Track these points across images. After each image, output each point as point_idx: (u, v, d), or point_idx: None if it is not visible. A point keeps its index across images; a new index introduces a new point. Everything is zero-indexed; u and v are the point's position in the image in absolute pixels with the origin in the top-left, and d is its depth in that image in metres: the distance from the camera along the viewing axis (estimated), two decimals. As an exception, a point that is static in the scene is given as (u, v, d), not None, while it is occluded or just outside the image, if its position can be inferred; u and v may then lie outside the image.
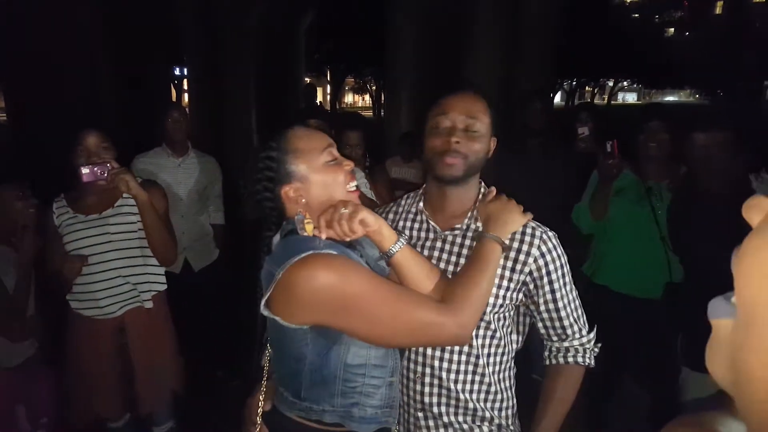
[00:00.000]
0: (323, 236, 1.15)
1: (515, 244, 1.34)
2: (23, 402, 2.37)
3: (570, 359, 1.42)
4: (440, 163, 1.33)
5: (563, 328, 1.40)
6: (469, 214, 1.39)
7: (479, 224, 1.34)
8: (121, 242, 2.24)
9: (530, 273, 1.34)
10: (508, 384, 1.43)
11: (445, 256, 1.38)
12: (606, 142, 2.52)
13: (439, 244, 1.40)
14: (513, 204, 1.33)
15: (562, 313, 1.38)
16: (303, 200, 1.21)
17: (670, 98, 49.07)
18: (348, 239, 1.16)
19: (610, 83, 36.67)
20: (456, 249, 1.37)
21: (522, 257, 1.34)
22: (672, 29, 36.23)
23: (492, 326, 1.36)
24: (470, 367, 1.36)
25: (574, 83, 31.30)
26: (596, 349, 1.44)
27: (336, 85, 27.88)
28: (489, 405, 1.38)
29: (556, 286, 1.35)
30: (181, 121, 3.14)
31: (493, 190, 1.40)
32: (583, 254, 3.06)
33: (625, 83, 39.24)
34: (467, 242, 1.36)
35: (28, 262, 2.24)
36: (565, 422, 1.43)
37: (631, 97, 51.01)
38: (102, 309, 2.23)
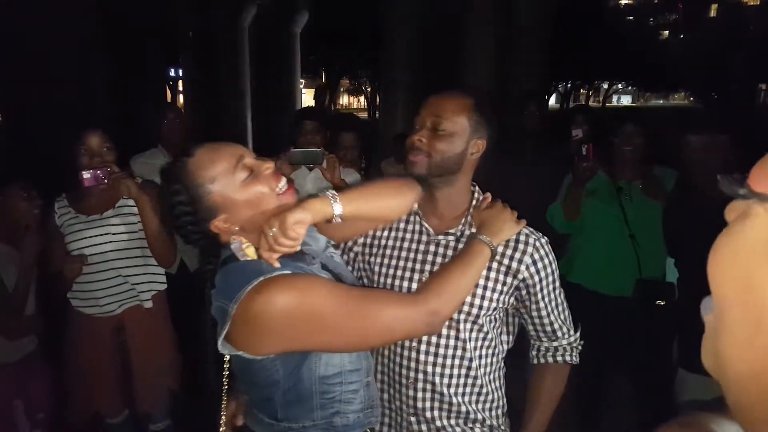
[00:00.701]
0: (275, 258, 1.07)
1: (509, 251, 1.35)
2: (21, 397, 2.38)
3: (558, 358, 1.46)
4: (407, 161, 1.36)
5: (553, 330, 1.43)
6: (463, 220, 1.39)
7: (474, 230, 1.34)
8: (122, 242, 2.27)
9: (523, 279, 1.36)
10: (498, 384, 1.44)
11: (438, 260, 1.37)
12: (582, 145, 2.58)
13: (432, 248, 1.39)
14: (508, 211, 1.33)
15: (552, 317, 1.42)
16: (236, 228, 1.12)
17: (662, 101, 49.29)
18: (297, 247, 1.08)
19: (605, 86, 36.79)
20: (450, 253, 1.37)
21: (515, 264, 1.35)
22: (666, 32, 36.38)
23: (484, 329, 1.37)
24: (463, 371, 1.37)
25: (569, 86, 31.39)
26: (580, 347, 1.49)
27: (331, 86, 27.88)
28: (480, 407, 1.39)
29: (546, 291, 1.39)
30: (177, 122, 3.15)
31: (489, 196, 1.41)
32: (558, 253, 3.10)
33: (619, 86, 39.35)
34: (461, 246, 1.34)
35: (30, 261, 2.25)
36: (554, 421, 1.45)
37: (626, 100, 51.19)
38: (102, 307, 2.26)
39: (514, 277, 1.35)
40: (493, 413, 1.42)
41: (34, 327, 2.40)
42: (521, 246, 1.36)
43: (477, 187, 1.45)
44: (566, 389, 1.48)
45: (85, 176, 2.09)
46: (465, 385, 1.37)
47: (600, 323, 2.57)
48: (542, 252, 1.37)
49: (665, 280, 2.57)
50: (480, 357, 1.38)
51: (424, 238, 1.41)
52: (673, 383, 2.33)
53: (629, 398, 2.94)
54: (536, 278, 1.36)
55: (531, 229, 1.38)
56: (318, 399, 1.13)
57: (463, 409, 1.37)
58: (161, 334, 2.43)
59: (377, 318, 1.08)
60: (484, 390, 1.39)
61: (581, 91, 35.67)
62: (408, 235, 1.43)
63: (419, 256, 1.39)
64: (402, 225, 1.45)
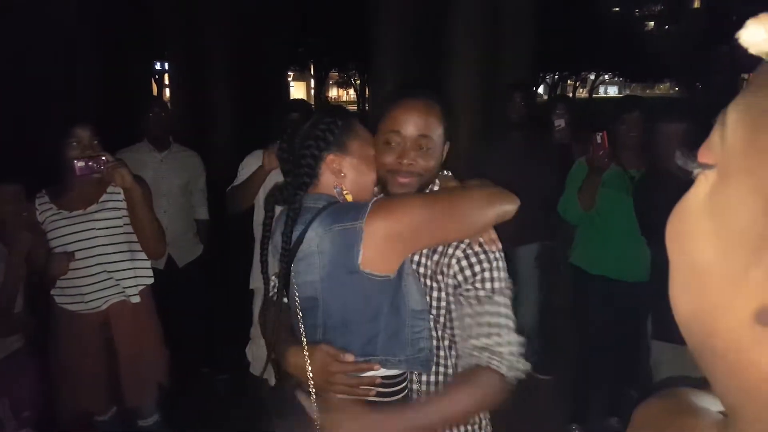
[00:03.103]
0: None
1: (439, 248, 1.32)
2: (7, 395, 2.36)
3: (483, 362, 1.24)
4: (393, 182, 1.31)
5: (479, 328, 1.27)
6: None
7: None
8: (107, 237, 2.25)
9: (454, 275, 1.29)
10: None
11: None
12: (596, 133, 2.59)
13: None
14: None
15: (486, 317, 1.26)
16: (342, 174, 1.27)
17: (648, 91, 49.59)
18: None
19: (592, 77, 36.94)
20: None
21: (445, 259, 1.30)
22: (652, 23, 36.58)
23: (447, 332, 1.34)
24: (440, 377, 1.35)
25: (557, 77, 31.49)
26: (520, 366, 1.24)
27: (320, 79, 27.73)
28: None
29: (479, 286, 1.27)
30: (162, 115, 3.13)
31: (450, 174, 1.44)
32: (562, 244, 3.13)
33: (606, 77, 39.53)
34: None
35: (19, 260, 2.22)
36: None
37: (612, 90, 51.48)
38: (87, 303, 2.24)
39: (447, 274, 1.36)
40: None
41: (23, 325, 2.37)
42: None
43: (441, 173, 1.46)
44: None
45: (78, 165, 2.06)
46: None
47: (610, 310, 2.71)
48: (475, 247, 1.32)
49: None
50: (454, 361, 1.36)
51: None
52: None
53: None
54: (468, 272, 1.32)
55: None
56: (409, 333, 1.22)
57: None
58: (148, 329, 2.41)
59: (465, 201, 1.24)
60: None
61: (568, 82, 35.79)
62: None
63: None
64: None
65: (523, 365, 1.25)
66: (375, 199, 1.22)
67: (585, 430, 2.97)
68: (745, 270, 0.31)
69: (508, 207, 1.24)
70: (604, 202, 2.68)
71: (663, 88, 49.21)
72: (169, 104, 8.10)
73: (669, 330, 2.17)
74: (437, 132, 1.32)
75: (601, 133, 2.58)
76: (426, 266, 1.34)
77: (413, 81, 4.71)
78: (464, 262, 1.28)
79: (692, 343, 0.37)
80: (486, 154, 3.36)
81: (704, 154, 0.35)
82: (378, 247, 1.16)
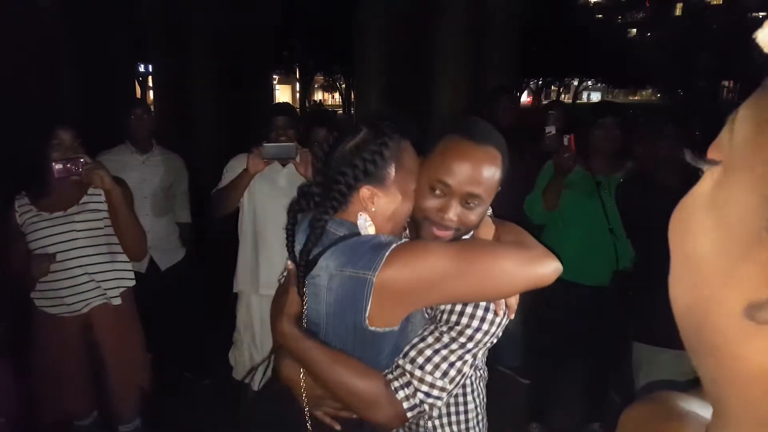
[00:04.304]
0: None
1: None
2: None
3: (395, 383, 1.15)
4: (427, 231, 1.21)
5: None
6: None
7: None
8: (88, 239, 2.23)
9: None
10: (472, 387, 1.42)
11: None
12: (563, 135, 2.63)
13: None
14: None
15: (426, 348, 1.17)
16: (373, 208, 1.16)
17: (631, 98, 50.20)
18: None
19: (576, 82, 37.34)
20: None
21: None
22: (634, 30, 37.09)
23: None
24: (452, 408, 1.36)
25: (540, 82, 31.77)
26: (420, 409, 1.14)
27: (305, 82, 27.69)
28: (462, 417, 1.39)
29: (442, 316, 1.21)
30: (144, 117, 3.10)
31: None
32: None
33: (589, 83, 39.98)
34: None
35: None
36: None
37: (596, 96, 51.98)
38: (69, 306, 2.22)
39: None
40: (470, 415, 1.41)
41: None
42: None
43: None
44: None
45: (56, 167, 2.04)
46: (456, 413, 1.38)
47: (574, 312, 2.75)
48: None
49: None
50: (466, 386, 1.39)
51: None
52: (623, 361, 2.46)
53: (582, 388, 3.04)
54: None
55: None
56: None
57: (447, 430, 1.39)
58: (130, 332, 2.40)
59: (497, 262, 1.09)
60: (470, 407, 1.40)
61: (552, 87, 36.13)
62: None
63: None
64: None
65: (427, 411, 1.14)
66: (394, 245, 1.09)
67: (545, 428, 3.02)
68: (736, 264, 0.31)
69: (546, 272, 1.11)
70: (567, 204, 2.72)
71: (645, 94, 49.87)
72: (152, 106, 8.04)
73: (648, 332, 2.22)
74: (491, 185, 1.17)
75: (568, 136, 2.62)
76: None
77: (398, 83, 4.72)
78: None
79: (686, 337, 0.37)
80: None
81: (713, 151, 0.36)
82: (388, 302, 1.09)
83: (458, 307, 1.17)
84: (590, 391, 3.00)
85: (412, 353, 1.15)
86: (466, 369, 1.16)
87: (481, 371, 1.44)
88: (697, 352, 0.36)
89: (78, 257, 2.22)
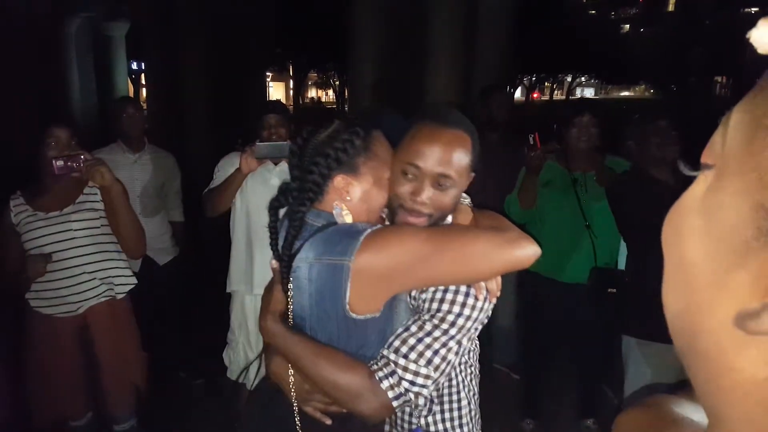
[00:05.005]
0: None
1: None
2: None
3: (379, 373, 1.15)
4: (402, 217, 1.22)
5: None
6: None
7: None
8: (85, 238, 2.22)
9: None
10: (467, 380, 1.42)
11: None
12: (528, 135, 2.66)
13: None
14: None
15: (410, 337, 1.17)
16: (348, 197, 1.19)
17: (625, 93, 50.41)
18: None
19: (569, 79, 37.43)
20: None
21: None
22: (627, 26, 37.20)
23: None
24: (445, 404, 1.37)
25: (534, 78, 31.83)
26: (406, 397, 1.13)
27: (298, 80, 27.65)
28: (456, 414, 1.39)
29: (426, 306, 1.21)
30: (136, 116, 3.08)
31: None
32: None
33: (582, 79, 40.10)
34: None
35: None
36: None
37: (589, 92, 52.16)
38: (67, 306, 2.20)
39: None
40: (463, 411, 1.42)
41: None
42: None
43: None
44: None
45: (57, 164, 2.03)
46: (449, 410, 1.39)
47: (556, 310, 2.78)
48: None
49: (617, 268, 2.66)
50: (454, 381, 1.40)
51: None
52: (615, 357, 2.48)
53: (574, 384, 3.06)
54: None
55: None
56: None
57: (440, 427, 1.39)
58: (126, 332, 2.39)
59: (472, 243, 1.11)
60: (464, 403, 1.40)
61: (546, 84, 36.21)
62: None
63: None
64: None
65: (413, 401, 1.13)
66: (369, 231, 1.11)
67: (539, 425, 3.03)
68: (728, 272, 0.31)
69: (523, 254, 1.12)
70: (544, 202, 2.74)
71: (639, 90, 50.05)
72: (144, 104, 8.00)
73: (637, 326, 2.23)
74: (461, 167, 1.18)
75: (533, 135, 2.64)
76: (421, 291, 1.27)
77: (391, 80, 4.72)
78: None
79: (678, 344, 0.37)
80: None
81: (706, 155, 0.35)
82: (366, 287, 1.10)
83: (439, 294, 1.17)
84: (580, 387, 3.01)
85: (396, 343, 1.15)
86: (451, 357, 1.15)
87: (473, 368, 1.43)
88: (689, 360, 0.36)
89: (76, 257, 2.20)
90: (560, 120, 2.78)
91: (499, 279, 1.20)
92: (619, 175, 2.56)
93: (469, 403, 1.40)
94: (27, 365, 2.28)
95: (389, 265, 1.09)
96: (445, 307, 1.16)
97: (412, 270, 1.09)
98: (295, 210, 1.19)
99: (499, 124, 3.33)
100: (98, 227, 2.25)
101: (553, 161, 2.75)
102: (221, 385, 2.79)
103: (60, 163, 2.04)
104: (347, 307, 1.12)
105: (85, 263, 2.22)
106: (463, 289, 1.17)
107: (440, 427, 1.37)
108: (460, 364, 1.38)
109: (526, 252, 1.12)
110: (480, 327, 1.23)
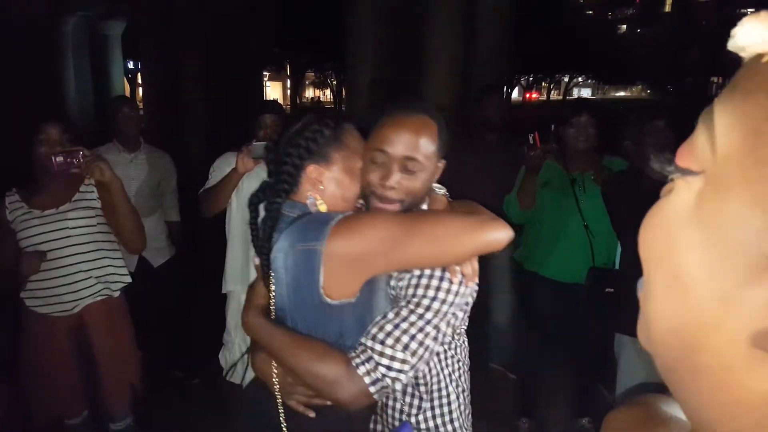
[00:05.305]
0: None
1: None
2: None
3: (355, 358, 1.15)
4: (374, 204, 1.26)
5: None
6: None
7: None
8: (81, 237, 2.21)
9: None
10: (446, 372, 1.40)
11: None
12: (528, 134, 2.66)
13: None
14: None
15: (387, 323, 1.18)
16: (321, 186, 1.24)
17: (621, 93, 50.52)
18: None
19: (566, 79, 37.48)
20: None
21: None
22: (624, 26, 37.29)
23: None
24: (413, 387, 1.36)
25: (531, 78, 31.87)
26: (383, 383, 1.13)
27: (296, 79, 27.63)
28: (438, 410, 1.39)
29: (402, 292, 1.22)
30: (132, 115, 3.07)
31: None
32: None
33: (580, 79, 40.17)
34: None
35: None
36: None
37: (586, 93, 52.25)
38: (63, 305, 2.20)
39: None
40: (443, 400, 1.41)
41: None
42: None
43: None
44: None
45: (57, 160, 2.02)
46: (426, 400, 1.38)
47: (554, 309, 2.78)
48: None
49: (615, 268, 2.67)
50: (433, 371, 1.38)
51: None
52: (611, 357, 2.48)
53: (570, 383, 3.07)
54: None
55: None
56: None
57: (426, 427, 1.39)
58: (122, 331, 2.39)
59: (443, 226, 1.13)
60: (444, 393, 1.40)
61: (543, 84, 36.26)
62: None
63: None
64: None
65: (391, 386, 1.13)
66: (340, 216, 1.15)
67: (535, 424, 3.04)
68: (739, 288, 0.29)
69: (494, 236, 1.12)
70: (544, 202, 2.74)
71: (635, 90, 50.16)
72: (141, 104, 7.98)
73: (628, 323, 2.24)
74: (428, 152, 1.23)
75: (532, 134, 2.65)
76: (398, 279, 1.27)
77: (389, 81, 4.71)
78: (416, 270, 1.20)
79: (666, 357, 0.36)
80: (460, 157, 3.37)
81: (685, 159, 0.33)
82: (339, 271, 1.12)
83: (414, 280, 1.19)
84: (577, 387, 3.01)
85: (374, 330, 1.16)
86: (429, 342, 1.15)
87: (461, 363, 1.42)
88: (680, 374, 0.35)
89: (72, 255, 2.19)
90: (558, 120, 2.78)
91: (476, 263, 1.20)
92: (616, 175, 2.57)
93: (458, 398, 1.39)
94: (23, 364, 2.28)
95: (360, 248, 1.12)
96: (420, 291, 1.17)
97: (383, 253, 1.11)
98: (270, 202, 1.23)
99: (496, 124, 3.33)
100: (94, 225, 2.24)
101: (552, 161, 2.75)
102: (217, 386, 2.78)
103: (60, 158, 2.03)
104: (321, 291, 1.13)
105: (81, 261, 2.22)
106: (437, 273, 1.18)
107: (431, 423, 1.37)
108: (447, 358, 1.38)
109: (498, 234, 1.13)
110: (461, 314, 1.25)
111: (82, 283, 2.22)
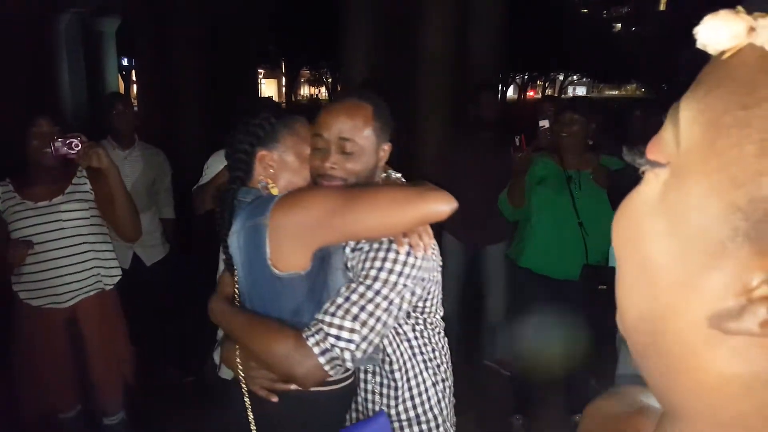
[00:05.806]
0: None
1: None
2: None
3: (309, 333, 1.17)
4: (320, 186, 1.31)
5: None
6: None
7: None
8: (74, 229, 2.21)
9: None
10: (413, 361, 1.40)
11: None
12: (515, 136, 2.69)
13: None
14: None
15: (339, 297, 1.20)
16: (272, 170, 1.29)
17: (616, 92, 50.64)
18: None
19: (561, 77, 37.52)
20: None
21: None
22: (619, 25, 37.35)
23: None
24: (385, 380, 1.38)
25: (526, 77, 31.90)
26: (341, 356, 1.14)
27: (291, 77, 27.54)
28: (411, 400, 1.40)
29: (359, 266, 1.25)
30: (126, 112, 3.07)
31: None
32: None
33: (574, 77, 40.21)
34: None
35: None
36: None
37: (581, 91, 52.32)
38: (58, 297, 2.20)
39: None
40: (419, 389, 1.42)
41: None
42: None
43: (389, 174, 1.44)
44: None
45: (55, 146, 2.02)
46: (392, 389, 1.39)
47: (546, 306, 2.75)
48: None
49: (608, 265, 2.68)
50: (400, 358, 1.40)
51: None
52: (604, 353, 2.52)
53: (564, 380, 3.08)
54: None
55: None
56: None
57: (408, 417, 1.40)
58: (115, 325, 2.39)
59: (384, 195, 1.17)
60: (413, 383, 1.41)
61: (538, 82, 36.30)
62: None
63: None
64: None
65: (341, 356, 1.14)
66: (285, 193, 1.23)
67: (528, 420, 3.05)
68: (699, 273, 0.31)
69: (436, 207, 1.14)
70: (538, 199, 2.76)
71: (630, 89, 50.28)
72: (135, 101, 7.96)
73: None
74: (364, 133, 1.29)
75: (519, 136, 2.67)
76: (351, 259, 1.29)
77: (383, 78, 4.72)
78: (366, 246, 1.24)
79: (637, 344, 0.37)
80: (455, 154, 3.39)
81: (654, 152, 0.35)
82: (283, 242, 1.16)
83: (363, 255, 1.22)
84: (570, 383, 3.03)
85: (326, 305, 1.19)
86: (380, 313, 1.16)
87: (438, 353, 1.42)
88: (649, 360, 0.36)
89: (65, 247, 2.19)
90: (545, 119, 2.81)
91: (427, 234, 1.23)
92: (614, 173, 2.58)
93: (434, 386, 1.39)
94: (15, 357, 2.28)
95: (302, 218, 1.16)
96: (368, 264, 1.20)
97: (326, 222, 1.15)
98: (226, 190, 1.30)
99: (489, 122, 3.33)
100: (87, 218, 2.25)
101: (548, 158, 2.76)
102: (211, 383, 2.78)
103: (58, 143, 2.03)
104: (269, 263, 1.17)
105: (73, 254, 2.22)
106: (384, 245, 1.21)
107: (411, 414, 1.37)
108: (420, 345, 1.37)
109: (439, 203, 1.15)
110: (419, 291, 1.24)
111: (74, 276, 2.22)
